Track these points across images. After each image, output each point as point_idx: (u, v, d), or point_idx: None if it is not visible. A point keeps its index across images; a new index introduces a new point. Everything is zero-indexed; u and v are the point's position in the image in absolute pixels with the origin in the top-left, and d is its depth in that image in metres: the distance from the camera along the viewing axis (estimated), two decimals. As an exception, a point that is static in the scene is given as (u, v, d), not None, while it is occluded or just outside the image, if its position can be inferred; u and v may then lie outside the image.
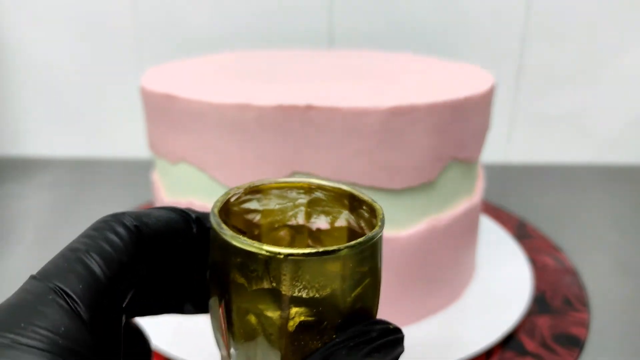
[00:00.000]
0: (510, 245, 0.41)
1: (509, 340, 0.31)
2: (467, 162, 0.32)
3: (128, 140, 0.62)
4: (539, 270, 0.39)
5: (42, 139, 0.63)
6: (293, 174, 0.27)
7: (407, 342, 0.31)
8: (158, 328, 0.32)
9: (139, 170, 0.58)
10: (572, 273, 0.39)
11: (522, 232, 0.45)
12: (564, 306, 0.35)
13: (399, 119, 0.26)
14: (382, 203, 0.28)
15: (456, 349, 0.29)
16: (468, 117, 0.30)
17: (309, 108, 0.26)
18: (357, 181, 0.27)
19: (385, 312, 0.31)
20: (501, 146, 0.61)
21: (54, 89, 0.60)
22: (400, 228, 0.29)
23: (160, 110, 0.30)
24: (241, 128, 0.27)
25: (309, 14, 0.54)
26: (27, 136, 0.63)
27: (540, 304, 0.35)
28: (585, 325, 0.33)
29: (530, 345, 0.31)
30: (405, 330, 0.32)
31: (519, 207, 0.51)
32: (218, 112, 0.27)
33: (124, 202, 0.52)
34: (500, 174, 0.60)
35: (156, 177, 0.35)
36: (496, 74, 0.36)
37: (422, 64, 0.37)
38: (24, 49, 0.58)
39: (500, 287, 0.36)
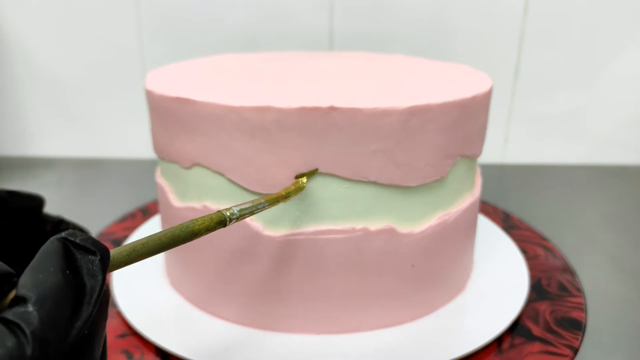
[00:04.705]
0: (500, 237, 0.42)
1: (516, 327, 0.32)
2: (471, 158, 0.32)
3: (132, 140, 0.61)
4: (531, 259, 0.40)
5: (46, 139, 0.62)
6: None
7: (422, 335, 0.31)
8: (160, 326, 0.31)
9: (143, 170, 0.57)
10: (562, 260, 0.40)
11: (509, 224, 0.46)
12: (560, 292, 0.36)
13: (416, 119, 0.27)
14: (399, 200, 0.29)
15: (471, 338, 0.30)
16: (474, 115, 0.30)
17: (331, 109, 0.25)
18: (376, 180, 0.27)
19: (399, 307, 0.31)
20: (498, 146, 0.61)
21: (58, 90, 0.59)
22: (414, 224, 0.30)
23: (172, 114, 0.29)
24: (261, 130, 0.26)
25: (309, 16, 0.53)
26: (32, 136, 0.62)
27: (538, 291, 0.36)
28: (582, 309, 0.34)
29: (536, 330, 0.32)
30: (419, 323, 0.32)
31: (516, 206, 0.50)
32: (237, 114, 0.26)
33: (128, 202, 0.51)
34: (497, 174, 0.59)
35: (162, 182, 0.34)
36: (493, 76, 0.36)
37: (421, 66, 0.38)
38: (29, 51, 0.57)
39: (500, 277, 0.36)
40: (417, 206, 0.29)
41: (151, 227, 0.44)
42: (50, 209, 0.23)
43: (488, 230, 0.44)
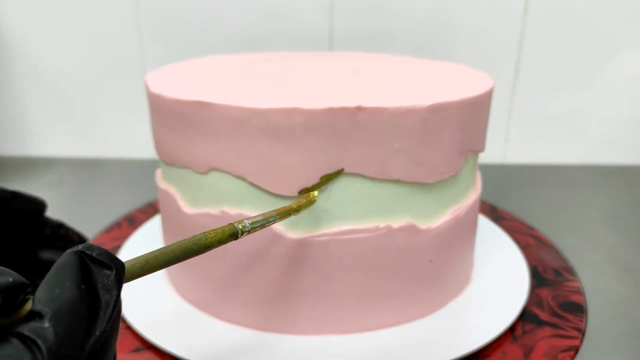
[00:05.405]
0: (492, 229, 0.44)
1: (524, 314, 0.33)
2: (477, 153, 0.33)
3: (132, 140, 0.61)
4: (524, 248, 0.42)
5: (46, 139, 0.61)
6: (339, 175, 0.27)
7: (439, 329, 0.31)
8: (166, 330, 0.30)
9: (143, 170, 0.57)
10: (552, 248, 0.42)
11: (496, 215, 0.48)
12: (557, 278, 0.37)
13: (436, 117, 0.27)
14: (418, 197, 0.29)
15: (485, 328, 0.30)
16: (482, 112, 0.31)
17: (358, 109, 0.25)
18: (399, 177, 0.27)
19: (413, 304, 0.31)
20: (498, 146, 0.60)
21: (59, 90, 0.59)
22: (431, 220, 0.30)
23: (187, 119, 0.28)
24: (286, 132, 0.26)
25: (309, 16, 0.53)
26: (32, 136, 0.61)
27: (537, 278, 0.37)
28: (580, 292, 0.35)
29: (543, 315, 0.33)
30: (434, 317, 0.32)
31: (516, 206, 0.50)
32: (262, 117, 0.25)
33: (128, 201, 0.50)
34: (497, 174, 0.59)
35: (169, 187, 0.32)
36: (493, 75, 0.36)
37: (418, 65, 0.38)
38: (30, 50, 0.57)
39: (501, 267, 0.37)
40: (434, 202, 0.30)
41: (143, 237, 0.42)
42: (51, 208, 0.22)
43: (480, 223, 0.45)
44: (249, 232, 0.22)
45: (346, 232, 0.28)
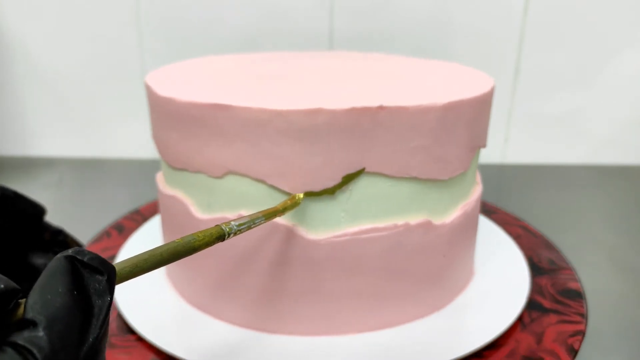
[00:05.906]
0: (485, 222, 0.44)
1: (529, 303, 0.34)
2: (480, 148, 0.34)
3: (132, 140, 0.60)
4: (516, 239, 0.43)
5: (46, 139, 0.60)
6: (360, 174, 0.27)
7: (451, 324, 0.31)
8: (164, 330, 0.30)
9: (143, 170, 0.57)
10: (543, 238, 0.43)
11: (485, 209, 0.48)
12: (552, 267, 0.38)
13: (451, 114, 0.28)
14: (432, 194, 0.29)
15: (498, 319, 0.31)
16: (487, 109, 0.32)
17: (380, 109, 0.25)
18: (417, 175, 0.28)
19: (423, 300, 0.32)
20: (498, 146, 0.60)
21: (59, 90, 0.58)
22: (444, 215, 0.31)
23: (201, 122, 0.27)
24: (308, 133, 0.26)
25: (309, 16, 0.52)
26: (32, 136, 0.60)
27: (533, 268, 0.38)
28: (576, 279, 0.37)
29: (547, 303, 0.34)
30: (443, 313, 0.33)
31: (516, 206, 0.50)
32: (283, 118, 0.25)
33: (128, 201, 0.49)
34: (497, 174, 0.59)
35: (177, 193, 0.31)
36: (493, 75, 0.36)
37: (414, 64, 0.39)
38: (30, 50, 0.56)
39: (500, 259, 0.38)
40: (447, 198, 0.30)
41: (139, 244, 0.41)
42: (50, 209, 0.22)
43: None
44: (235, 233, 0.22)
45: (365, 232, 0.28)
